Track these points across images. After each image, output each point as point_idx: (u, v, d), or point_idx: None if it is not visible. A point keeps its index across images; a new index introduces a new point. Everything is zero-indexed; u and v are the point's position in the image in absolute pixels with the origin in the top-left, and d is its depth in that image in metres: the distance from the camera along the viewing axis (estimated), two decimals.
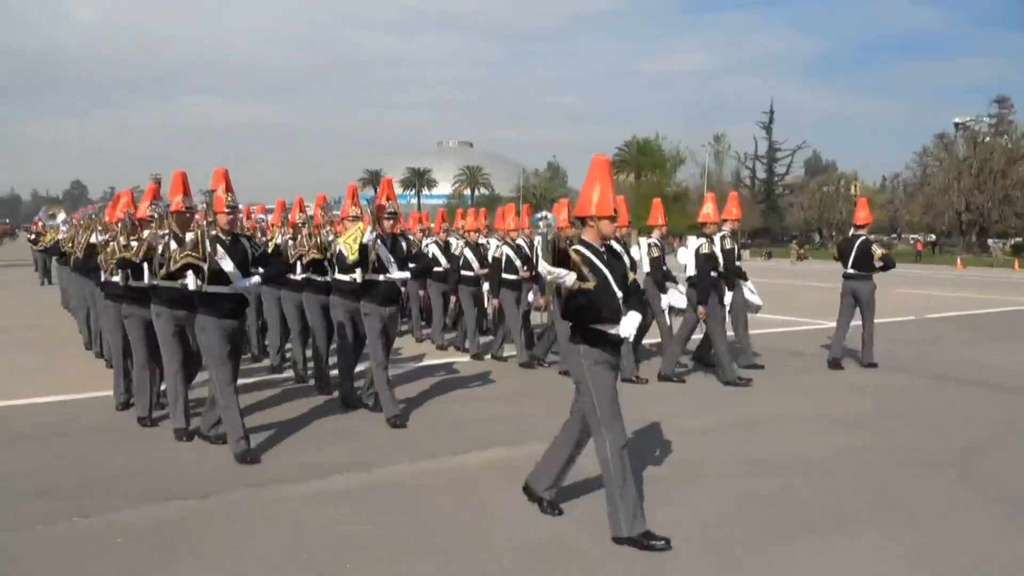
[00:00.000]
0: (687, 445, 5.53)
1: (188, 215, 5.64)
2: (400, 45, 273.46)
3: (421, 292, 10.62)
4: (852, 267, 8.74)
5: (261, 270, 5.51)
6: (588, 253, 3.93)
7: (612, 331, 3.88)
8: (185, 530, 4.01)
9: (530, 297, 8.41)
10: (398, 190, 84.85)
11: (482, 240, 9.85)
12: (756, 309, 8.90)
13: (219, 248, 5.22)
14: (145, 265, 5.80)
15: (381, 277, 6.11)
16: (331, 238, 7.12)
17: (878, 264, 8.66)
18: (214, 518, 4.18)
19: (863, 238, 8.75)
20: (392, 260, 6.14)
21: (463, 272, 9.43)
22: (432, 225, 11.97)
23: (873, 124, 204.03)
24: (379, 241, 6.07)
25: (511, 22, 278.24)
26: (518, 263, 8.71)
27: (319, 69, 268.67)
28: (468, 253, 9.47)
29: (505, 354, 8.96)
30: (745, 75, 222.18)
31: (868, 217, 8.95)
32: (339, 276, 6.69)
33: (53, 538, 3.89)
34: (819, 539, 3.93)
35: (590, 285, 3.83)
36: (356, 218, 6.74)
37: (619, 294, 3.92)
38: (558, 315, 7.86)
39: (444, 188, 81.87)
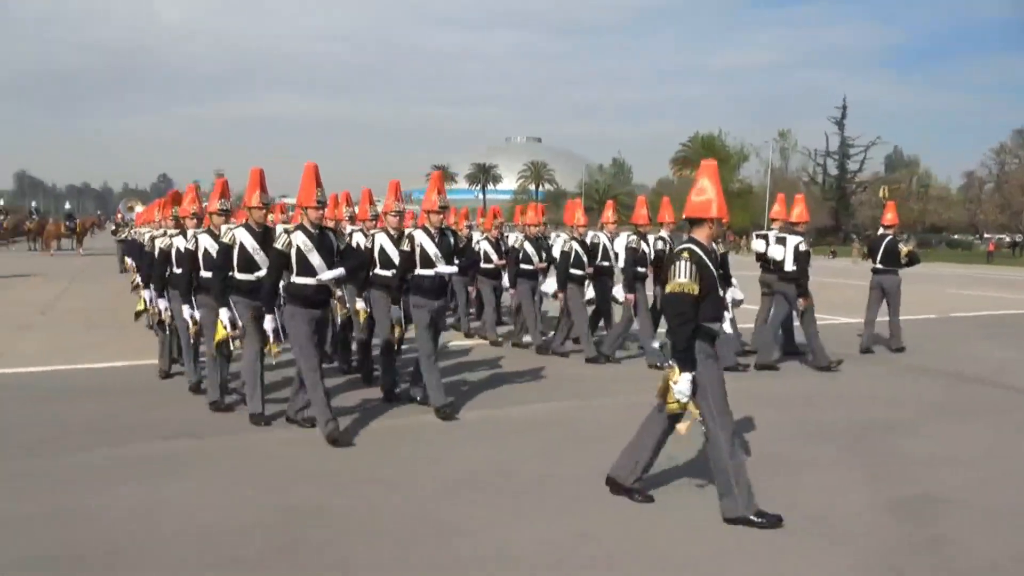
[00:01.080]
0: None
1: (264, 211, 5.98)
2: (469, 41, 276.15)
3: (470, 288, 10.77)
4: (880, 263, 9.88)
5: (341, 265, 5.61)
6: (700, 253, 4.07)
7: (717, 327, 4.13)
8: (186, 461, 5.08)
9: (589, 293, 8.90)
10: (463, 185, 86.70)
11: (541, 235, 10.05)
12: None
13: (308, 241, 5.45)
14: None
15: (429, 272, 6.20)
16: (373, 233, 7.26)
17: (904, 260, 9.78)
18: (212, 453, 5.25)
19: (890, 237, 9.93)
20: (439, 255, 6.20)
21: (523, 266, 9.63)
22: (483, 221, 11.83)
23: (955, 119, 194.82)
24: (426, 236, 6.20)
25: (579, 17, 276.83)
26: (585, 259, 8.76)
27: (389, 65, 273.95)
28: (528, 247, 9.64)
29: (568, 349, 9.12)
30: (817, 69, 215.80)
31: (895, 219, 10.17)
32: (380, 271, 6.86)
33: (88, 463, 5.01)
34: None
35: (696, 288, 3.99)
36: (399, 214, 7.00)
37: (721, 292, 4.22)
38: (577, 306, 8.68)
39: (509, 184, 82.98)
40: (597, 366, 8.58)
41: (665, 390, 4.05)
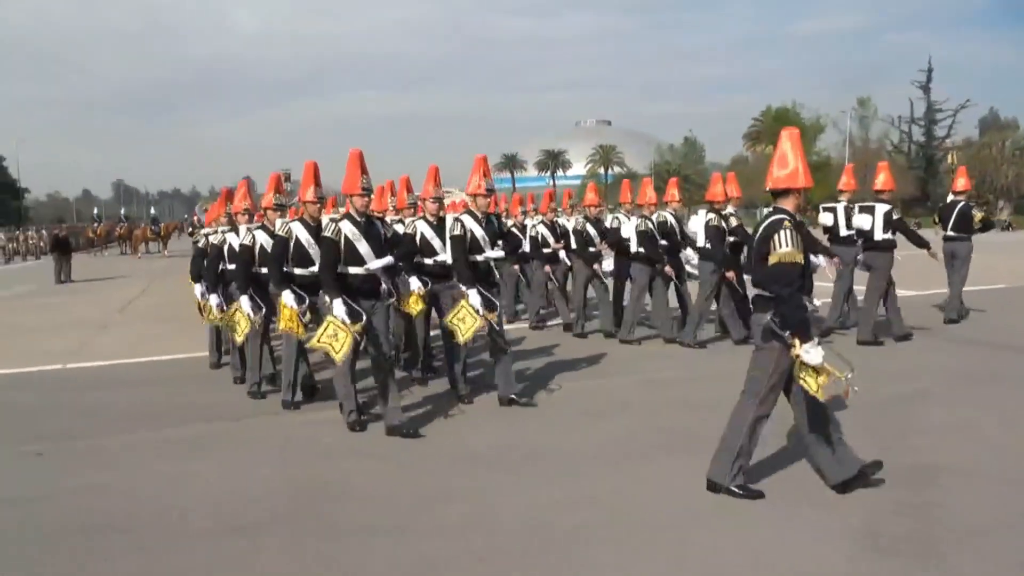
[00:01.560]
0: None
1: (318, 205, 5.95)
2: (537, 27, 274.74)
3: (515, 266, 10.57)
4: (952, 230, 9.68)
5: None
6: (794, 222, 3.96)
7: (808, 303, 3.98)
8: (216, 441, 5.48)
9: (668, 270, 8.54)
10: (532, 172, 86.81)
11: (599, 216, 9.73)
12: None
13: (355, 229, 5.36)
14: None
15: (479, 257, 6.08)
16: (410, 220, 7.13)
17: (977, 226, 9.71)
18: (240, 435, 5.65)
19: (963, 203, 9.73)
20: (487, 240, 6.11)
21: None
22: (537, 206, 11.47)
23: None
24: (474, 221, 6.09)
25: None
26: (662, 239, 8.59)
27: (458, 56, 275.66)
28: (590, 229, 9.31)
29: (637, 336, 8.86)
30: (905, 31, 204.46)
31: (967, 184, 10.04)
32: (424, 260, 6.65)
33: (131, 443, 5.49)
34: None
35: (801, 257, 3.91)
36: (438, 200, 6.79)
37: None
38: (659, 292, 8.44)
39: (579, 169, 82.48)
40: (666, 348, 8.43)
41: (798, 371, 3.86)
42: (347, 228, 5.37)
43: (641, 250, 8.55)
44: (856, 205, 8.78)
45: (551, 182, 79.92)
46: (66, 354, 9.19)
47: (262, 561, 3.58)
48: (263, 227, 6.53)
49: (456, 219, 6.19)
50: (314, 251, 5.84)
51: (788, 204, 4.05)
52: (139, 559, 3.63)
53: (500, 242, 6.23)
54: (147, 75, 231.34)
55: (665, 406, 6.05)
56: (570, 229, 9.83)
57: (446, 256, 6.44)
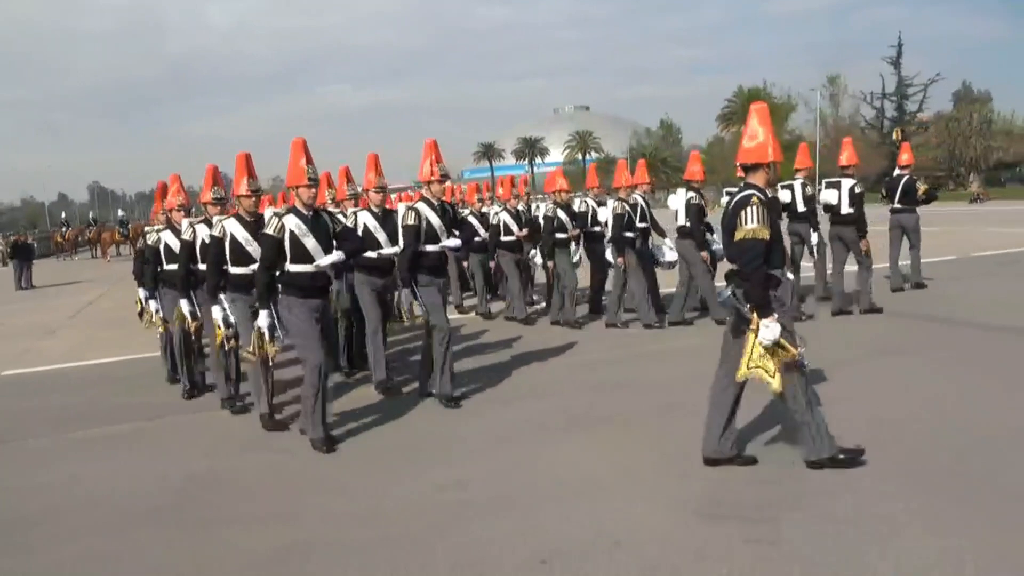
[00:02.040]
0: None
1: (253, 199, 5.56)
2: (514, 14, 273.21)
3: (465, 263, 10.58)
4: (899, 202, 10.17)
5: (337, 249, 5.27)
6: (763, 199, 3.96)
7: (779, 274, 4.01)
8: (130, 440, 5.61)
9: (609, 257, 8.67)
10: (511, 161, 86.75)
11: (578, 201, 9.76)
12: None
13: (302, 224, 5.05)
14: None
15: (434, 247, 5.90)
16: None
17: (922, 198, 10.14)
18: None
19: (907, 176, 10.18)
20: (443, 229, 5.94)
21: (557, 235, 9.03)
22: (499, 193, 11.34)
23: None
24: (430, 209, 5.90)
25: None
26: (638, 222, 8.59)
27: (436, 47, 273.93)
28: (561, 215, 9.04)
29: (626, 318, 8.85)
30: (884, 5, 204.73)
31: (911, 159, 10.46)
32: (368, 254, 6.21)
33: (49, 446, 5.65)
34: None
35: (767, 233, 3.91)
36: (382, 189, 6.49)
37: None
38: (636, 275, 8.34)
39: (557, 156, 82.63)
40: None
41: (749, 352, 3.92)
42: (292, 223, 5.03)
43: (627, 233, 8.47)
44: (824, 181, 9.30)
45: (529, 169, 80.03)
46: (5, 361, 9.25)
47: (128, 554, 3.72)
48: (206, 222, 6.10)
49: (410, 207, 5.95)
50: (252, 248, 5.47)
51: (758, 179, 4.06)
52: (9, 560, 3.76)
53: (455, 231, 6.03)
54: (123, 75, 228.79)
55: (580, 388, 6.22)
56: (542, 215, 9.57)
57: (392, 250, 6.24)
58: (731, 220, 3.98)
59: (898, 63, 63.19)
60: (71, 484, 4.73)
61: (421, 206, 5.90)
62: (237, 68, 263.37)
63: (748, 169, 4.11)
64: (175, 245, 6.56)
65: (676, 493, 3.99)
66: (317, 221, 5.18)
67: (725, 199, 9.11)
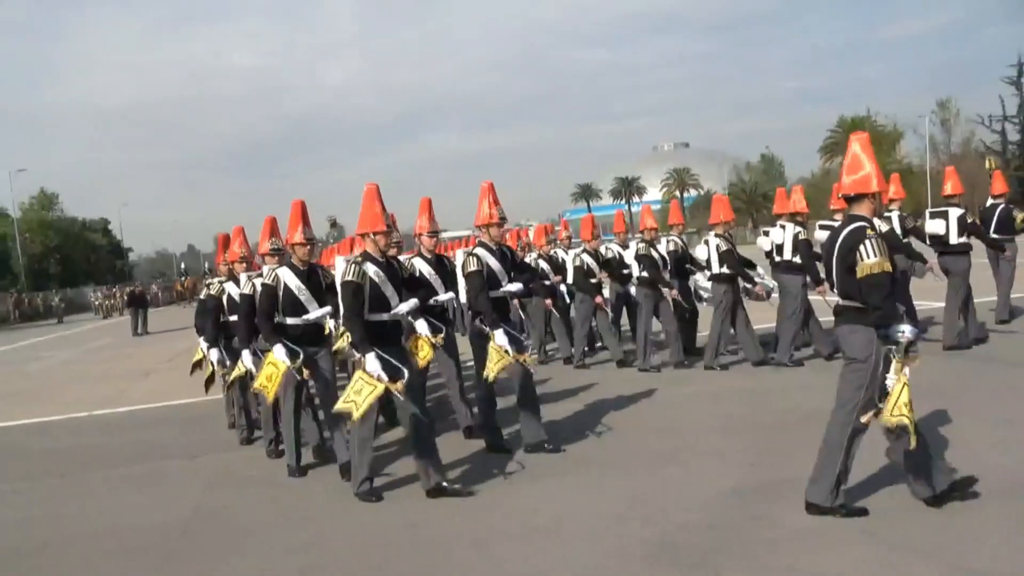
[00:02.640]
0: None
1: (307, 247, 5.56)
2: (616, 56, 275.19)
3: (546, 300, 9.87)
4: (994, 232, 9.65)
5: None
6: (876, 230, 3.88)
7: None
8: (162, 477, 6.17)
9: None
10: (608, 200, 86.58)
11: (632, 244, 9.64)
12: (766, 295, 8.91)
13: (380, 272, 4.97)
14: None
15: (498, 293, 5.77)
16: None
17: (1020, 227, 9.79)
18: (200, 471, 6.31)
19: (1002, 206, 9.80)
20: (504, 273, 5.79)
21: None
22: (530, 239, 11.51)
23: None
24: (490, 255, 5.78)
25: (723, 10, 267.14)
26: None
27: (539, 91, 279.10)
28: (588, 260, 9.24)
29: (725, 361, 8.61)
30: (1006, 23, 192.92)
31: (1004, 187, 10.03)
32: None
33: (94, 479, 6.26)
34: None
35: (889, 265, 3.82)
36: (435, 234, 6.40)
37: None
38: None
39: (656, 194, 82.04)
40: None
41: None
42: (372, 271, 4.93)
43: (644, 275, 8.70)
44: (928, 212, 9.14)
45: (627, 208, 79.83)
46: (100, 401, 10.25)
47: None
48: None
49: (470, 253, 5.84)
50: (304, 296, 5.45)
51: (863, 209, 3.98)
52: None
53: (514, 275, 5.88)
54: (248, 135, 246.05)
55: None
56: (569, 260, 9.95)
57: (447, 296, 6.22)
58: (848, 256, 3.87)
59: (1020, 83, 59.35)
60: (100, 513, 5.29)
61: (480, 251, 5.78)
62: (350, 122, 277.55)
63: (851, 200, 4.04)
64: (236, 296, 6.60)
65: (628, 536, 4.06)
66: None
67: (820, 233, 9.11)
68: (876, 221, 4.00)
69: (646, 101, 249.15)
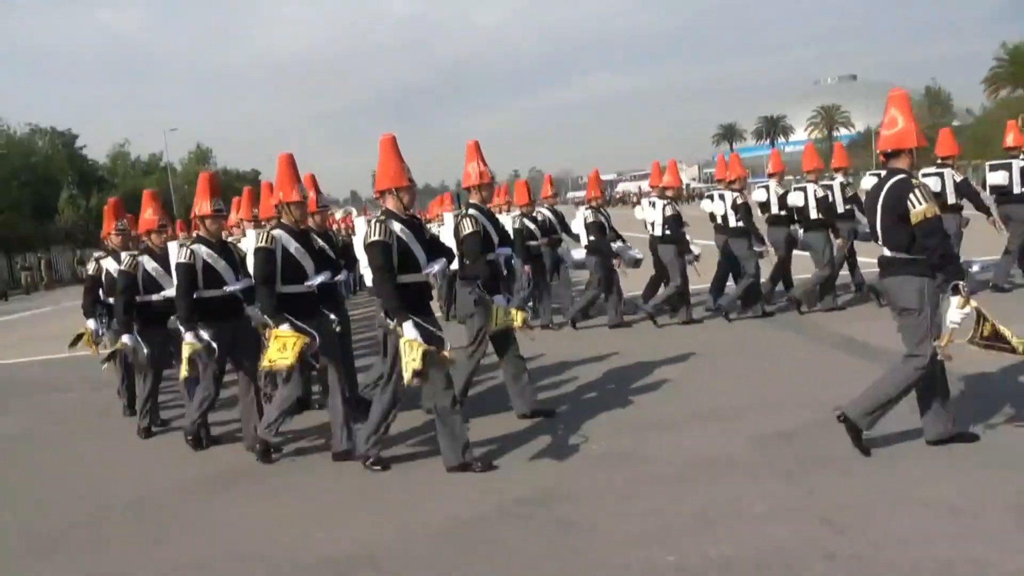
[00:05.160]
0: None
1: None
2: None
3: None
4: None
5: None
6: (919, 181, 4.08)
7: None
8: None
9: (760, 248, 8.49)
10: (751, 142, 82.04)
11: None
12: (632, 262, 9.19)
13: (406, 229, 4.52)
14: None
15: (490, 256, 5.33)
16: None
17: None
18: None
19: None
20: (495, 236, 5.44)
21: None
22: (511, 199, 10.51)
23: None
24: (484, 216, 5.36)
25: None
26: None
27: (692, 26, 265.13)
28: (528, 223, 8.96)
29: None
30: None
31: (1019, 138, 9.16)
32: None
33: None
34: None
35: (937, 209, 3.98)
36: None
37: None
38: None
39: (802, 134, 77.03)
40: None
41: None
42: (397, 228, 4.46)
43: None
44: (987, 164, 9.27)
45: (773, 150, 75.37)
46: None
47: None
48: (203, 240, 5.23)
49: (464, 216, 5.35)
50: (308, 263, 4.94)
51: (902, 163, 4.16)
52: None
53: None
54: (401, 82, 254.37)
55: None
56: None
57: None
58: (898, 205, 4.02)
59: None
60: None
61: (475, 212, 5.31)
62: (503, 65, 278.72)
63: (890, 156, 4.22)
64: (115, 272, 6.18)
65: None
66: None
67: (867, 181, 8.95)
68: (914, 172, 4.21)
69: (808, 29, 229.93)
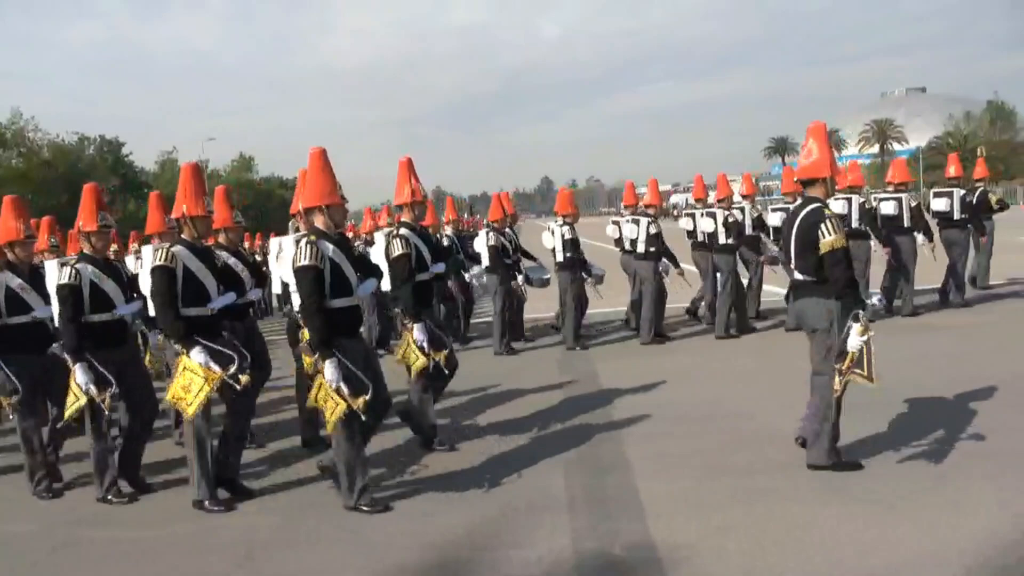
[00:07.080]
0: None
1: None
2: None
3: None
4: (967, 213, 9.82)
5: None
6: (831, 211, 4.27)
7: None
8: None
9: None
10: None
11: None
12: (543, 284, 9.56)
13: (99, 271, 4.52)
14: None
15: (425, 276, 5.34)
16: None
17: (996, 207, 10.34)
18: None
19: (980, 189, 10.23)
20: (429, 255, 5.44)
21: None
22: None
23: None
24: (418, 237, 5.35)
25: None
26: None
27: (760, 35, 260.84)
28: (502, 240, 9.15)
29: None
30: None
31: (984, 172, 10.48)
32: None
33: None
34: None
35: (845, 241, 4.18)
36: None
37: None
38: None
39: (854, 149, 74.50)
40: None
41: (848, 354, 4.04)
42: (329, 250, 4.20)
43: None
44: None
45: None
46: None
47: None
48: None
49: (393, 236, 5.22)
50: (211, 282, 4.59)
51: (817, 192, 4.36)
52: None
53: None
54: (467, 90, 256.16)
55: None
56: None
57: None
58: (809, 233, 4.21)
59: None
60: None
61: (407, 232, 5.22)
62: (563, 75, 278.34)
63: (806, 184, 4.41)
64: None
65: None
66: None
67: (773, 215, 9.23)
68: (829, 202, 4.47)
69: (883, 38, 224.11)
